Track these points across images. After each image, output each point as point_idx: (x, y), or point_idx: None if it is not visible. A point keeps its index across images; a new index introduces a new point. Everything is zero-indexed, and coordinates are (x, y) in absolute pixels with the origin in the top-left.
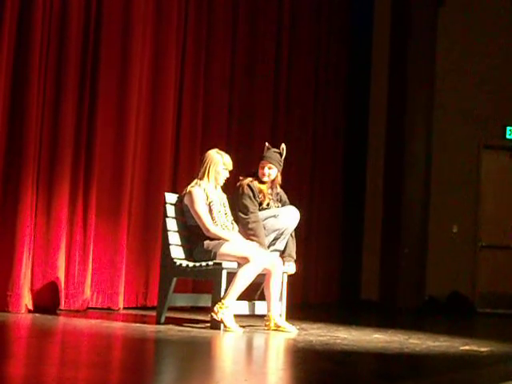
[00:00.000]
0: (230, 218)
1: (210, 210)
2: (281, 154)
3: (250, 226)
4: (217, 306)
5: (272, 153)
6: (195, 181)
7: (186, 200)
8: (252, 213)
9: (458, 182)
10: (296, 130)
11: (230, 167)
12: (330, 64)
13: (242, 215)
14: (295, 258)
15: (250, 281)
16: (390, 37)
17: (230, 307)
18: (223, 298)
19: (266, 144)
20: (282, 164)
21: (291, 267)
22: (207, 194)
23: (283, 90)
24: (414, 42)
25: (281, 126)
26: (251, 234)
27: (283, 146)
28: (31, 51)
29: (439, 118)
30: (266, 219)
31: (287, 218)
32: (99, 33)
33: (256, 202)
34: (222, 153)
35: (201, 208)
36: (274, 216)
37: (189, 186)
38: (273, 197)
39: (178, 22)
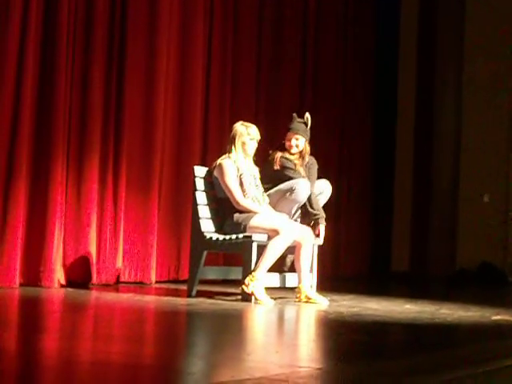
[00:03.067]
0: (261, 189)
1: (241, 183)
2: (306, 124)
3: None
4: (247, 278)
5: (297, 123)
6: (225, 154)
7: (216, 172)
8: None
9: (487, 152)
10: (324, 101)
11: (257, 137)
12: (357, 36)
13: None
14: (325, 216)
15: (281, 253)
16: (419, 10)
17: (260, 280)
18: (254, 270)
19: (294, 114)
20: (308, 134)
21: (322, 229)
22: (238, 166)
23: (311, 62)
24: (442, 16)
25: (308, 99)
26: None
27: (307, 114)
28: (59, 20)
29: (470, 88)
30: (277, 201)
31: (301, 191)
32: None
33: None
34: (247, 124)
35: (231, 180)
36: (289, 191)
37: (219, 159)
38: (302, 168)
39: None
